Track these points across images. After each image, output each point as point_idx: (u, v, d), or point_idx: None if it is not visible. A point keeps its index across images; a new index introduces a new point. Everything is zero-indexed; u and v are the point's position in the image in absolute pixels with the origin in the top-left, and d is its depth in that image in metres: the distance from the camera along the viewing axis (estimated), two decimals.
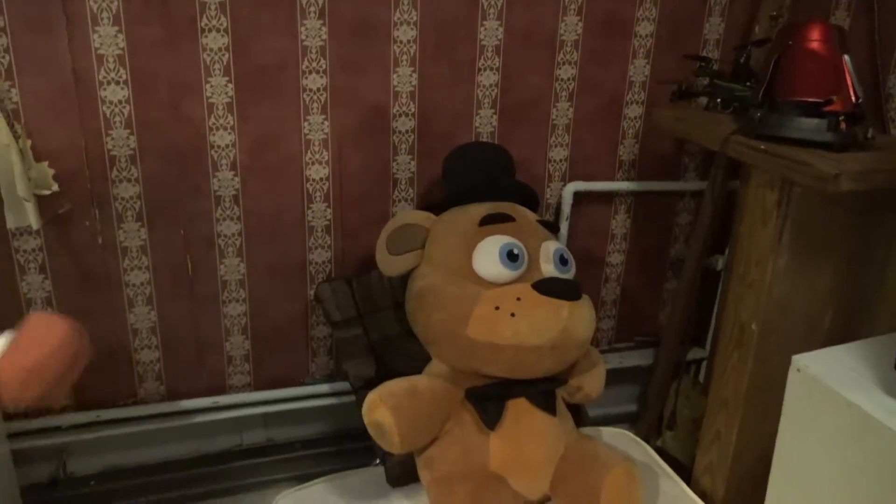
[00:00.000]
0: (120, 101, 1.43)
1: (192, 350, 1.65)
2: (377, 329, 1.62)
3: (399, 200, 1.68)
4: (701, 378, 2.01)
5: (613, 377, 1.80)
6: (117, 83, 1.42)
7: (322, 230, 1.64)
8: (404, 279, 1.52)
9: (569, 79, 1.70)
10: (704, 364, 2.01)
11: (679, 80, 1.67)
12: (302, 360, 1.74)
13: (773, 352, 1.42)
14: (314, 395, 1.73)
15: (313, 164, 1.58)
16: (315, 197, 1.61)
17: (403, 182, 1.66)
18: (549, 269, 1.43)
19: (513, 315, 1.34)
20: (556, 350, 1.38)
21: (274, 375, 1.73)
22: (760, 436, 1.49)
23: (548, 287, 1.36)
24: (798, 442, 1.23)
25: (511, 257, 1.39)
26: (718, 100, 1.59)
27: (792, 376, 1.21)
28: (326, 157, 1.59)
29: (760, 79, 1.43)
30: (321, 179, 1.60)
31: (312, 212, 1.62)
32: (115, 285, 1.55)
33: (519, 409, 1.41)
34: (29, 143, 1.39)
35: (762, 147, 1.32)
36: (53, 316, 0.88)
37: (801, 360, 1.20)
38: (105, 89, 1.41)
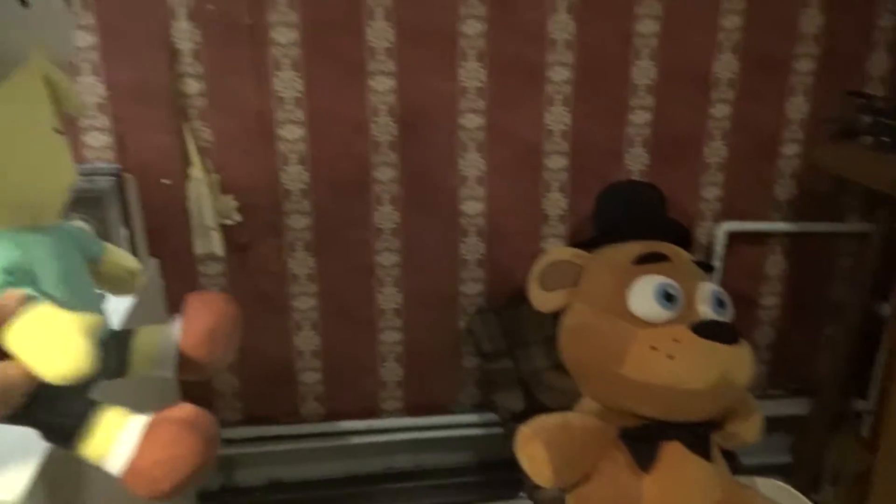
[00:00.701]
0: (296, 139, 1.55)
1: (350, 374, 1.74)
2: (527, 362, 1.65)
3: (549, 236, 1.71)
4: (864, 432, 1.89)
5: (766, 426, 1.73)
6: (294, 122, 1.54)
7: (474, 263, 1.70)
8: (554, 313, 1.54)
9: (723, 117, 1.68)
10: (868, 417, 1.89)
11: (841, 117, 1.61)
12: (451, 389, 1.79)
13: None
14: (462, 424, 1.78)
15: (468, 199, 1.65)
16: (469, 231, 1.67)
17: (554, 219, 1.69)
18: (705, 310, 1.41)
19: (670, 357, 1.33)
20: (713, 394, 1.35)
21: (424, 402, 1.79)
22: None
23: (707, 330, 1.34)
24: None
25: (667, 297, 1.38)
26: (885, 139, 1.52)
27: None
28: (481, 193, 1.64)
29: None
30: (475, 214, 1.66)
31: (466, 245, 1.68)
32: (285, 310, 1.66)
33: (673, 453, 1.39)
34: (217, 177, 1.53)
35: None
36: (206, 292, 0.95)
37: None
38: (283, 128, 1.54)
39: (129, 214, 1.41)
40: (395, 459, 1.80)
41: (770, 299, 1.84)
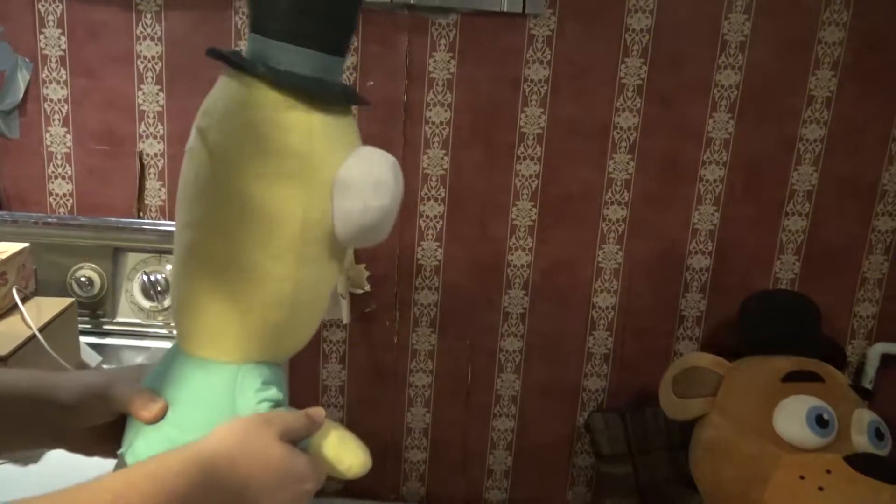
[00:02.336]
0: (435, 216, 1.55)
1: (457, 457, 1.68)
2: (647, 470, 1.54)
3: (683, 338, 1.62)
4: None
5: None
6: (436, 199, 1.54)
7: (600, 358, 1.62)
8: (683, 422, 1.45)
9: (887, 231, 1.56)
10: None
11: None
12: (560, 486, 1.70)
13: None
14: None
15: (602, 291, 1.59)
16: (599, 324, 1.61)
17: (690, 320, 1.61)
18: (861, 441, 1.29)
19: (821, 489, 1.21)
20: None
21: (530, 497, 1.70)
22: None
23: (865, 464, 1.22)
24: None
25: (820, 423, 1.27)
26: None
27: None
28: (615, 287, 1.58)
29: None
30: (607, 308, 1.60)
31: (594, 338, 1.61)
32: (401, 384, 1.64)
33: None
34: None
35: None
36: None
37: None
38: (424, 204, 1.54)
39: None
40: None
41: None
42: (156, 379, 0.63)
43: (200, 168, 0.59)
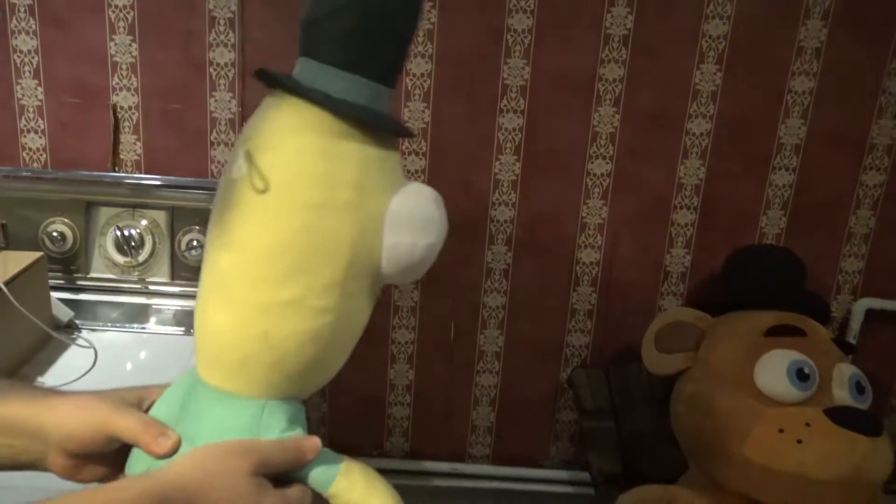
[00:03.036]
0: (417, 171, 1.52)
1: (441, 413, 1.68)
2: (630, 425, 1.55)
3: (667, 294, 1.61)
4: None
5: None
6: (417, 154, 1.52)
7: (584, 314, 1.61)
8: (665, 377, 1.44)
9: (875, 185, 1.54)
10: None
11: None
12: (543, 442, 1.70)
13: None
14: (551, 479, 1.68)
15: (586, 247, 1.57)
16: (582, 280, 1.59)
17: (675, 276, 1.59)
18: (842, 395, 1.28)
19: (799, 441, 1.21)
20: (843, 488, 1.22)
21: (514, 452, 1.71)
22: None
23: (844, 417, 1.22)
24: None
25: (801, 376, 1.26)
26: None
27: None
28: (600, 242, 1.57)
29: None
30: (591, 263, 1.58)
31: (577, 294, 1.60)
32: (384, 340, 1.63)
33: None
34: None
35: None
36: None
37: None
38: (406, 158, 1.52)
39: None
40: None
41: None
42: (167, 408, 0.59)
43: (246, 191, 0.56)
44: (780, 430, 1.22)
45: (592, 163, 1.52)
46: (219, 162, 1.48)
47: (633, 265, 1.59)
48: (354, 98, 0.55)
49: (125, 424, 0.55)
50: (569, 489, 1.68)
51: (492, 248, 1.57)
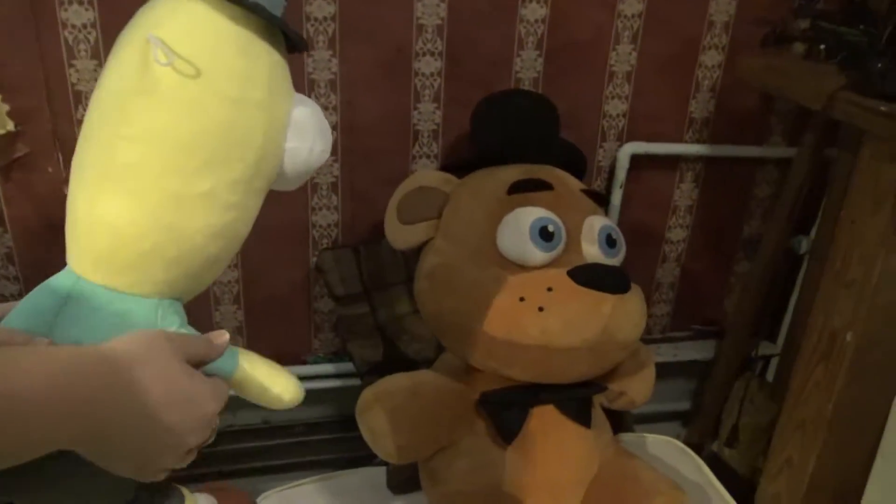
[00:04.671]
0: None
1: None
2: (386, 307, 1.39)
3: (420, 157, 1.42)
4: (769, 377, 1.73)
5: (666, 371, 1.54)
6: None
7: (327, 188, 1.40)
8: (420, 251, 1.28)
9: (634, 15, 1.39)
10: (775, 361, 1.72)
11: (773, 20, 1.35)
12: (303, 336, 1.52)
13: (871, 370, 1.13)
14: (317, 375, 1.52)
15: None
16: None
17: (426, 135, 1.40)
18: (591, 251, 1.16)
19: (541, 309, 1.08)
20: (593, 352, 1.12)
21: (272, 351, 1.48)
22: (842, 467, 1.21)
23: (588, 275, 1.09)
24: None
25: (544, 235, 1.12)
26: (822, 46, 1.27)
27: None
28: (334, 103, 1.33)
29: (884, 21, 1.11)
30: None
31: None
32: None
33: (546, 419, 1.17)
34: None
35: (882, 109, 1.02)
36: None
37: None
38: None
39: None
40: (238, 416, 1.54)
41: (677, 232, 1.61)
42: (33, 318, 0.56)
43: (164, 80, 0.55)
44: (521, 299, 1.09)
45: (311, 5, 1.25)
46: None
47: (378, 127, 1.37)
48: (265, 4, 0.58)
49: None
50: (337, 382, 1.52)
51: None
